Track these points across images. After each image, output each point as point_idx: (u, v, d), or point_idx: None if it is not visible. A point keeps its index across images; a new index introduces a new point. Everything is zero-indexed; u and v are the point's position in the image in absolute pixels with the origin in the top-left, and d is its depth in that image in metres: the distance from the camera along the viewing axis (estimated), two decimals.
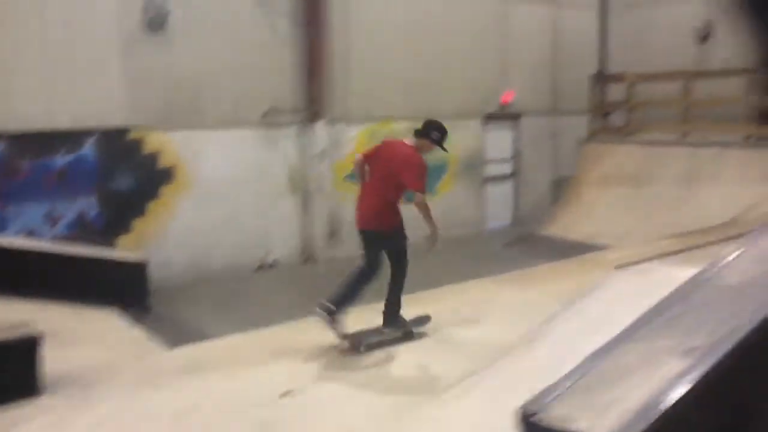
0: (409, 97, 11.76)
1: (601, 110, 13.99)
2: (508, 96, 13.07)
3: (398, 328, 5.80)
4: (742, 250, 3.87)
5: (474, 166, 12.87)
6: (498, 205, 13.49)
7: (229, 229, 9.97)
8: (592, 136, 13.58)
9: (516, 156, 13.72)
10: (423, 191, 5.42)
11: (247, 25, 10.01)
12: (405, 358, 5.34)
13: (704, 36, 13.34)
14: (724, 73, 12.42)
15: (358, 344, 5.58)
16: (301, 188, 10.71)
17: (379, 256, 5.64)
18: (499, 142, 13.36)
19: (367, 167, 5.78)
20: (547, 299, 5.35)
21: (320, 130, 10.65)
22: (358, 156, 6.03)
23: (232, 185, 10.00)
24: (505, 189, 13.66)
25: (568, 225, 12.20)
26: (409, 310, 5.86)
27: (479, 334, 5.56)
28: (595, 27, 14.72)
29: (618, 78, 13.78)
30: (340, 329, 5.55)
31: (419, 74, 11.83)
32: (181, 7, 9.32)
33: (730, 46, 12.91)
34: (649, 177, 12.10)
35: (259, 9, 10.09)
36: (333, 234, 10.94)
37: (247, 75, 10.04)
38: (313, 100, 10.60)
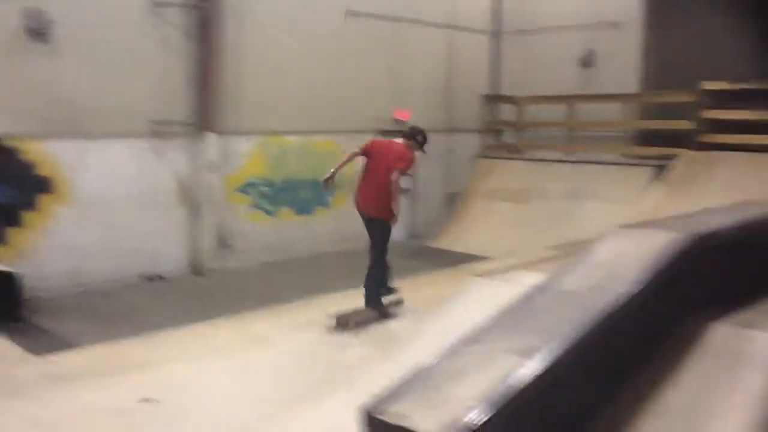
0: (304, 112, 11.82)
1: (492, 129, 14.53)
2: (403, 113, 13.32)
3: (378, 309, 6.89)
4: (584, 257, 4.12)
5: None
6: None
7: (112, 240, 9.67)
8: (484, 153, 14.06)
9: (412, 171, 13.94)
10: (405, 173, 7.03)
11: (136, 36, 9.80)
12: (260, 364, 5.34)
13: (587, 62, 14.08)
14: (604, 97, 13.18)
15: (345, 323, 6.52)
16: (191, 200, 10.52)
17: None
18: None
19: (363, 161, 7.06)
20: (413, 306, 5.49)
21: (210, 142, 10.51)
22: (356, 150, 7.27)
23: (116, 196, 9.71)
24: (402, 203, 13.84)
25: (458, 238, 12.55)
26: (289, 315, 5.89)
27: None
28: (489, 50, 15.26)
29: (509, 99, 14.37)
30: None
31: (314, 90, 11.90)
32: (66, 17, 9.03)
33: (611, 72, 13.73)
34: (536, 192, 12.64)
35: (150, 20, 9.91)
36: (223, 246, 10.79)
37: (134, 86, 9.82)
38: (203, 112, 10.46)
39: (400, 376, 3.21)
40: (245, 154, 11.23)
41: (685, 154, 11.70)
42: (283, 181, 11.76)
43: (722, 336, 3.98)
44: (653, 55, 13.23)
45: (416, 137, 7.36)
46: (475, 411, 2.82)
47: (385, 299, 7.01)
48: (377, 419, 2.92)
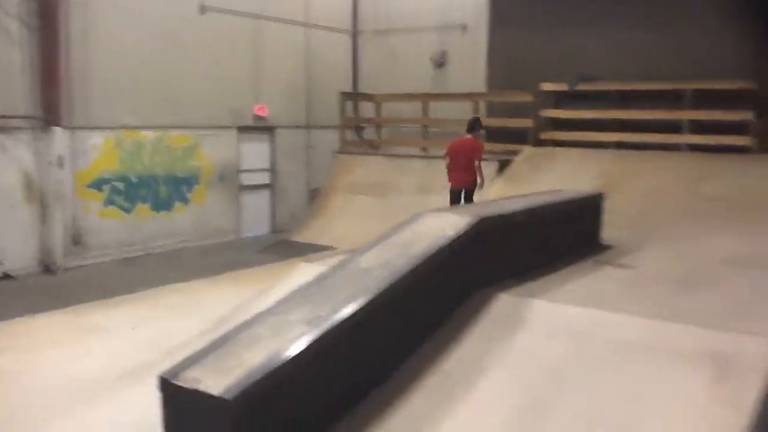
0: (159, 107, 11.75)
1: (352, 126, 15.00)
2: (262, 109, 13.52)
3: None
4: (385, 238, 4.57)
5: (229, 176, 13.12)
6: (255, 215, 13.85)
7: None
8: (344, 149, 14.50)
9: (272, 167, 14.18)
10: (481, 160, 9.60)
11: None
12: (90, 351, 5.47)
13: (440, 63, 14.83)
14: (455, 96, 13.96)
15: None
16: (39, 197, 10.24)
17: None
18: (255, 153, 13.75)
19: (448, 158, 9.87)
20: (247, 293, 5.78)
21: (58, 137, 10.26)
22: (446, 161, 9.99)
23: None
24: (262, 198, 14.06)
25: (318, 231, 12.89)
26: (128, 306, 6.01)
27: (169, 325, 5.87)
28: (348, 49, 15.71)
29: (367, 97, 14.89)
30: None
31: (170, 84, 11.85)
32: None
33: (462, 72, 14.56)
34: (392, 186, 13.20)
35: None
36: (76, 243, 10.58)
37: None
38: (49, 106, 10.18)
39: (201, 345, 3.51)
40: (97, 150, 11.03)
41: (527, 150, 12.64)
42: (139, 176, 11.64)
43: (506, 304, 4.56)
44: (498, 57, 14.15)
45: (478, 129, 9.96)
46: (254, 373, 3.16)
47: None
48: (172, 384, 3.20)
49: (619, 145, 12.02)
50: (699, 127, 11.70)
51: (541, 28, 13.41)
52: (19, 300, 8.26)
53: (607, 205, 9.35)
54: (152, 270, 10.19)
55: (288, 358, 3.30)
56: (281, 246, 12.27)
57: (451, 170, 9.93)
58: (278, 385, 3.25)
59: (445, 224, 4.57)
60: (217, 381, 3.18)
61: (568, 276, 5.24)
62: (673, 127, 11.86)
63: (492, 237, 4.73)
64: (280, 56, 14.01)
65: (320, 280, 4.08)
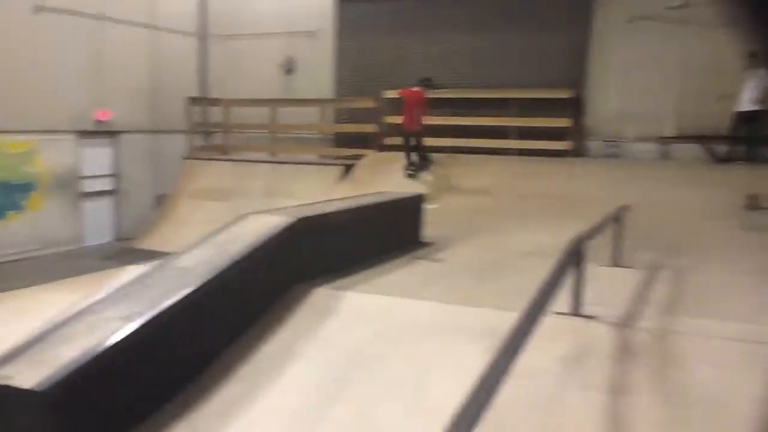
0: None
1: (200, 131, 15.00)
2: (104, 114, 13.23)
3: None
4: (208, 238, 4.86)
5: (68, 182, 12.72)
6: (98, 222, 13.50)
7: None
8: (192, 154, 14.47)
9: (116, 173, 13.89)
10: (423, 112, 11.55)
11: None
12: None
13: (289, 69, 15.16)
14: (303, 102, 14.34)
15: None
16: None
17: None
18: (97, 158, 13.42)
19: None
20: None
21: None
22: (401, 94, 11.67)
23: None
24: (105, 206, 13.73)
25: (164, 238, 12.78)
26: None
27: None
28: (196, 53, 15.67)
29: (215, 102, 14.95)
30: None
31: (3, 88, 11.37)
32: None
33: (309, 78, 14.96)
34: (240, 191, 13.35)
35: None
36: None
37: None
38: None
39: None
40: None
41: (370, 155, 13.24)
42: None
43: (320, 297, 4.98)
44: (345, 64, 14.71)
45: (426, 85, 11.64)
46: (67, 367, 3.36)
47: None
48: None
49: (455, 150, 12.90)
50: (525, 133, 12.83)
51: (385, 36, 14.11)
52: None
53: (437, 205, 10.14)
54: None
55: (101, 352, 3.51)
56: (125, 254, 12.06)
57: (403, 113, 11.69)
58: (92, 377, 3.46)
59: (264, 225, 4.93)
60: (29, 376, 3.35)
61: (383, 270, 5.75)
62: (502, 133, 12.92)
63: (310, 236, 5.13)
64: (124, 59, 13.76)
65: (140, 279, 4.31)
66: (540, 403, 3.79)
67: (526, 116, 12.87)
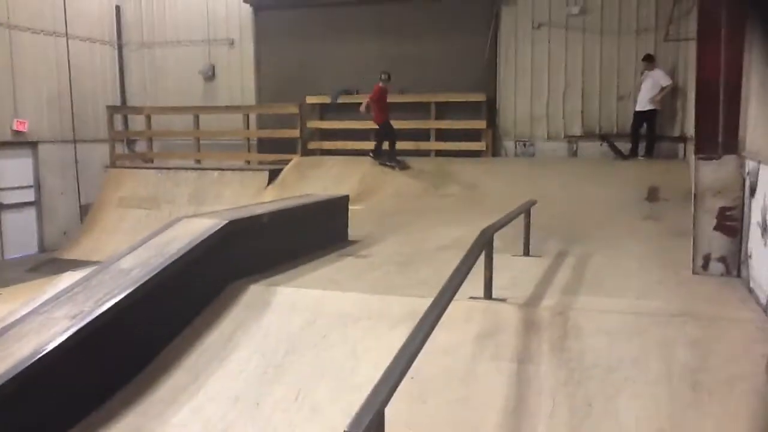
0: None
1: (122, 139, 14.97)
2: (21, 124, 13.06)
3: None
4: (145, 241, 5.14)
5: None
6: (20, 234, 13.31)
7: None
8: (115, 162, 14.43)
9: (37, 183, 13.71)
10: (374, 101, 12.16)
11: None
12: None
13: (209, 76, 15.29)
14: (225, 108, 14.53)
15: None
16: None
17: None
18: (15, 169, 13.23)
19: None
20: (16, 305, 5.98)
21: None
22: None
23: None
24: (27, 217, 13.55)
25: (91, 247, 12.75)
26: None
27: None
28: (113, 61, 15.59)
29: (136, 110, 14.95)
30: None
31: None
32: None
33: (231, 85, 15.16)
34: (166, 198, 13.43)
35: None
36: None
37: None
38: None
39: None
40: None
41: (295, 159, 13.56)
42: None
43: (255, 293, 5.33)
44: (265, 70, 14.97)
45: (380, 78, 12.30)
46: (22, 362, 3.62)
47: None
48: None
49: None
50: (443, 135, 13.44)
51: (302, 43, 14.46)
52: None
53: (363, 206, 10.59)
54: None
55: (53, 348, 3.78)
56: (51, 264, 12.00)
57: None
58: (45, 372, 3.73)
59: (198, 227, 5.24)
60: None
61: (313, 267, 6.14)
62: (422, 135, 13.49)
63: (241, 236, 5.48)
64: (38, 68, 13.62)
65: (84, 281, 4.56)
66: (457, 375, 4.28)
67: (443, 119, 13.50)
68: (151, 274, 4.55)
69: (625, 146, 12.15)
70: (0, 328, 4.05)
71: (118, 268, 4.72)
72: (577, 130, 12.94)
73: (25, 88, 13.28)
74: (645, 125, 11.82)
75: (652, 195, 10.29)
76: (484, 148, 13.28)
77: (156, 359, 4.61)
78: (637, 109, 11.78)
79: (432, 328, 3.50)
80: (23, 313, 4.50)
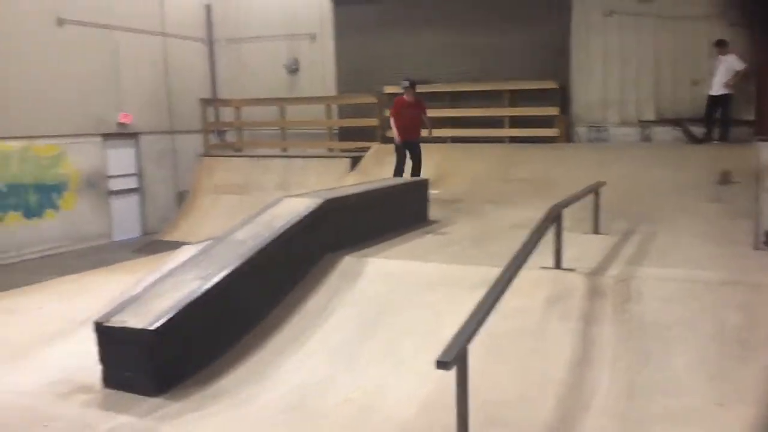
0: (22, 118, 12.21)
1: (213, 130, 16.05)
2: (126, 117, 14.25)
3: None
4: (253, 217, 5.93)
5: (97, 182, 13.76)
6: (125, 218, 14.54)
7: None
8: (207, 152, 15.52)
9: (139, 171, 14.93)
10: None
11: None
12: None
13: (293, 69, 16.17)
14: (308, 99, 15.37)
15: None
16: None
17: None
18: (121, 159, 14.45)
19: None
20: (133, 277, 6.91)
21: None
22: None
23: None
24: (131, 202, 14.78)
25: (188, 230, 13.82)
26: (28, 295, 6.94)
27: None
28: (205, 56, 16.68)
29: (225, 102, 15.99)
30: None
31: (33, 96, 12.36)
32: None
33: (313, 77, 15.98)
34: (255, 185, 14.39)
35: None
36: None
37: None
38: None
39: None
40: None
41: (374, 147, 14.27)
42: (7, 185, 12.09)
43: (348, 263, 6.05)
44: (345, 63, 15.71)
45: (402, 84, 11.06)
46: (166, 312, 4.44)
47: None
48: (105, 326, 4.41)
49: (453, 140, 13.94)
50: (516, 122, 13.87)
51: (380, 35, 15.12)
52: None
53: (441, 190, 11.19)
54: (35, 271, 10.82)
55: (188, 303, 4.59)
56: (154, 245, 13.09)
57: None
58: (180, 321, 4.54)
59: (297, 205, 6.00)
60: (137, 321, 4.43)
61: (397, 242, 6.83)
62: (496, 122, 13.96)
63: (335, 214, 6.21)
64: (140, 65, 14.75)
65: (206, 250, 5.38)
66: (528, 332, 4.87)
67: (516, 106, 13.93)
68: (261, 246, 5.32)
69: (699, 131, 12.29)
70: (142, 289, 4.89)
71: (233, 240, 5.51)
72: (650, 115, 13.14)
73: (128, 83, 14.45)
74: (719, 110, 11.93)
75: (724, 178, 10.45)
76: (557, 134, 13.61)
77: (265, 318, 5.38)
78: (711, 93, 11.90)
79: (507, 286, 4.11)
80: (156, 278, 5.35)
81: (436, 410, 4.13)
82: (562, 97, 13.62)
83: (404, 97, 11.05)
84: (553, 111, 13.61)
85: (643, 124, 13.21)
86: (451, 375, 3.44)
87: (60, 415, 4.50)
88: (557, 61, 13.69)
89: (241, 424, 4.28)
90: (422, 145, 11.41)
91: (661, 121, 13.03)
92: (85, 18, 13.36)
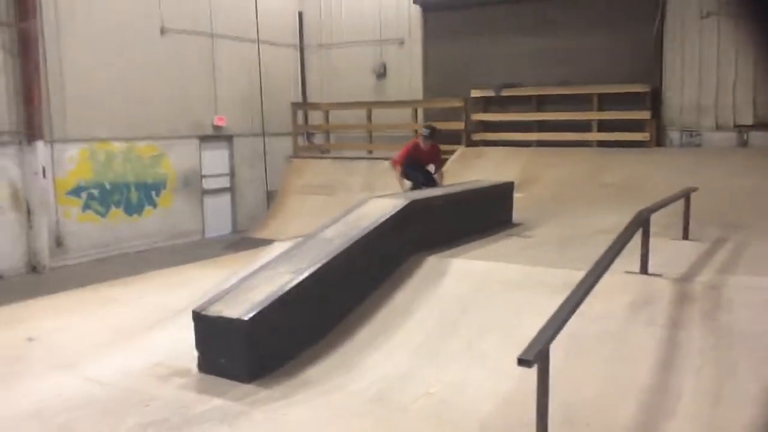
0: (126, 121, 12.99)
1: (302, 132, 16.53)
2: (221, 120, 14.89)
3: None
4: (342, 216, 6.15)
5: (192, 181, 14.45)
6: (217, 216, 15.19)
7: None
8: (296, 153, 16.00)
9: (232, 172, 15.55)
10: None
11: None
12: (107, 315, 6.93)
13: (381, 73, 16.45)
14: (395, 103, 15.61)
15: None
16: (24, 204, 11.41)
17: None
18: (215, 159, 15.11)
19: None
20: (227, 271, 7.28)
21: (39, 150, 11.44)
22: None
23: None
24: (223, 201, 15.42)
25: (276, 229, 14.30)
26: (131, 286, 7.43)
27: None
28: (295, 62, 17.20)
29: (315, 106, 16.44)
30: None
31: (136, 100, 13.11)
32: None
33: (400, 81, 16.21)
34: (341, 186, 14.74)
35: None
36: (59, 244, 11.78)
37: None
38: (30, 123, 11.36)
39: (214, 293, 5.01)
40: (73, 160, 12.26)
41: (460, 150, 14.35)
42: (112, 184, 12.89)
43: (432, 263, 6.18)
44: (432, 67, 15.86)
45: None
46: (260, 304, 4.69)
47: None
48: (202, 315, 4.71)
49: (539, 144, 13.84)
50: (605, 125, 13.63)
51: (467, 40, 15.18)
52: (24, 290, 9.52)
53: (525, 193, 11.15)
54: (134, 264, 11.50)
55: (279, 296, 4.84)
56: (244, 243, 13.63)
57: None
58: (273, 313, 4.79)
59: (384, 206, 6.17)
60: (233, 311, 4.70)
61: (481, 244, 6.90)
62: (583, 126, 13.76)
63: (420, 215, 6.35)
64: (235, 71, 15.38)
65: (297, 246, 5.64)
66: (611, 336, 4.85)
67: (604, 110, 13.67)
68: (350, 243, 5.53)
69: None
70: (237, 281, 5.18)
71: (323, 238, 5.75)
72: (747, 120, 12.63)
73: (223, 88, 15.09)
74: None
75: None
76: (648, 139, 13.28)
77: (351, 313, 5.58)
78: None
79: (591, 288, 4.13)
80: (250, 271, 5.64)
81: (514, 407, 4.20)
82: (653, 100, 13.29)
83: (419, 142, 10.02)
84: (644, 115, 13.29)
85: (740, 128, 12.71)
86: (531, 374, 3.51)
87: (159, 396, 4.84)
88: (649, 63, 13.36)
89: (327, 412, 4.49)
90: (505, 149, 11.02)
91: (761, 126, 12.50)
92: (186, 27, 14.06)
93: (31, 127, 11.41)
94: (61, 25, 11.90)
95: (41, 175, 11.49)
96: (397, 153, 10.50)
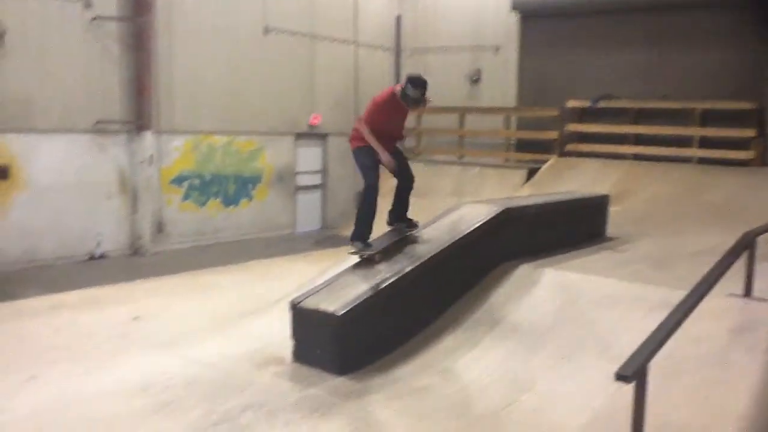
0: (228, 115, 13.52)
1: None
2: (316, 118, 15.26)
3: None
4: (440, 218, 6.23)
5: (286, 177, 14.88)
6: (308, 212, 15.58)
7: (59, 223, 11.12)
8: None
9: (324, 169, 15.91)
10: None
11: (79, 45, 11.28)
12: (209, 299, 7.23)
13: (475, 79, 16.44)
14: (488, 110, 15.56)
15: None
16: (130, 190, 12.06)
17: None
18: (309, 157, 15.49)
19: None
20: (318, 267, 7.49)
21: (147, 139, 12.08)
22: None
23: (65, 184, 11.18)
24: (314, 198, 15.79)
25: None
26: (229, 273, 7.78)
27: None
28: (390, 65, 17.40)
29: None
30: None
31: (237, 97, 13.63)
32: (18, 26, 10.47)
33: (494, 88, 16.15)
34: (431, 189, 14.79)
35: (91, 32, 11.43)
36: (159, 230, 12.40)
37: (78, 89, 11.28)
38: (140, 113, 12.01)
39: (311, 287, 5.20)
40: (178, 151, 12.86)
41: (552, 160, 14.17)
42: (212, 175, 13.44)
43: (524, 272, 6.17)
44: (527, 76, 15.72)
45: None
46: (354, 300, 4.83)
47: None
48: (299, 306, 4.90)
49: (635, 157, 13.50)
50: (706, 142, 13.14)
51: (566, 50, 14.95)
52: (128, 271, 10.09)
53: (619, 208, 10.91)
54: (229, 253, 11.97)
55: (374, 292, 4.97)
56: (333, 239, 13.93)
57: None
58: (367, 309, 4.93)
59: (478, 211, 6.21)
60: (328, 305, 4.87)
61: (573, 255, 6.83)
62: (683, 141, 13.31)
63: (514, 223, 6.35)
64: (332, 71, 15.71)
65: (395, 245, 5.76)
66: (711, 360, 4.72)
67: (706, 126, 13.19)
68: (445, 246, 5.61)
69: None
70: (333, 276, 5.35)
71: (420, 239, 5.85)
72: None
73: (320, 88, 15.46)
74: None
75: None
76: (752, 157, 12.74)
77: (442, 315, 5.66)
78: None
79: (692, 309, 4.05)
80: (346, 267, 5.80)
81: (606, 423, 4.16)
82: (759, 118, 12.73)
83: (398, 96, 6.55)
84: (749, 132, 12.75)
85: None
86: (625, 391, 3.48)
87: (256, 382, 5.06)
88: (755, 80, 12.81)
89: (417, 411, 4.58)
90: (599, 161, 10.27)
91: None
92: (289, 27, 14.49)
93: (141, 117, 12.04)
94: (173, 22, 12.50)
95: (148, 163, 12.10)
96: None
